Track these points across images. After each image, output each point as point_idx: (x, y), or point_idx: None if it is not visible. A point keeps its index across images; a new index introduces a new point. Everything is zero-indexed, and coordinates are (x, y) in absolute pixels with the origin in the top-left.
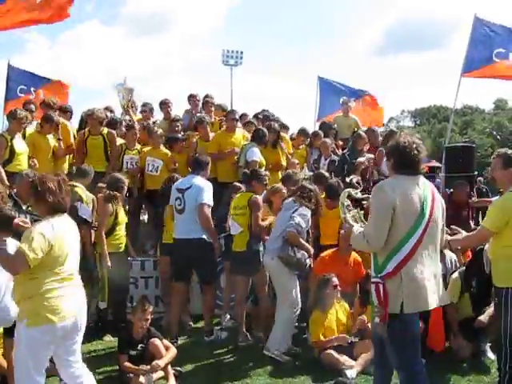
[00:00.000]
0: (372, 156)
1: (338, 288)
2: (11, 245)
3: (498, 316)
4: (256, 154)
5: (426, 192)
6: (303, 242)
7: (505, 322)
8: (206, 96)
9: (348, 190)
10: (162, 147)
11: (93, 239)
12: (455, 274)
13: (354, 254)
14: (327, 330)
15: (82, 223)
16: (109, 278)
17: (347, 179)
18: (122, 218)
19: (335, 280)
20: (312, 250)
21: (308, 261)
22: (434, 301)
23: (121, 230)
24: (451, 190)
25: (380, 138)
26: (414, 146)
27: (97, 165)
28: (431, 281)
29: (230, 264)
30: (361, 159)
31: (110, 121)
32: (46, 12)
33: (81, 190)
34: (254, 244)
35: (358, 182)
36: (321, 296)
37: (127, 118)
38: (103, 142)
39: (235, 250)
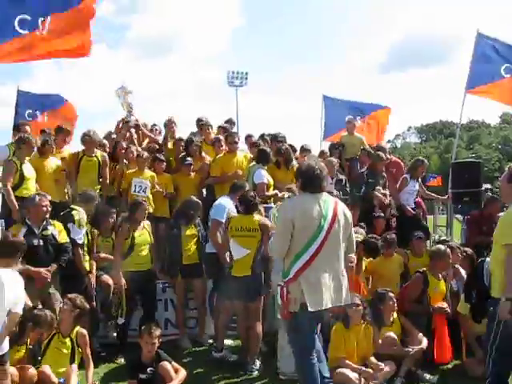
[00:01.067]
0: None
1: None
2: None
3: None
4: (263, 177)
5: (326, 208)
6: None
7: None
8: (200, 120)
9: None
10: (146, 170)
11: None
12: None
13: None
14: (346, 349)
15: (74, 245)
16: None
17: None
18: (140, 239)
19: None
20: None
21: None
22: (329, 302)
23: (139, 251)
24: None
25: (386, 155)
26: (316, 167)
27: (89, 186)
28: (328, 285)
29: (226, 289)
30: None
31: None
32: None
33: (77, 212)
34: (259, 267)
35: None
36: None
37: (133, 118)
38: (97, 164)
39: (236, 274)
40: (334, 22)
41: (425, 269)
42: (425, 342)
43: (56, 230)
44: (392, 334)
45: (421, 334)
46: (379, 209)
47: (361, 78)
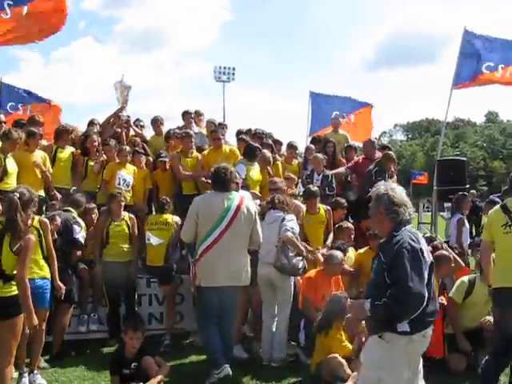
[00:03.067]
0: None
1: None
2: None
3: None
4: (241, 173)
5: (230, 203)
6: (299, 243)
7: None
8: (185, 112)
9: None
10: (128, 164)
11: None
12: (464, 277)
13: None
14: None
15: (77, 245)
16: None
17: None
18: (115, 229)
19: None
20: (305, 252)
21: (301, 264)
22: (224, 280)
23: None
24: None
25: (377, 152)
26: (223, 170)
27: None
28: (227, 266)
29: None
30: None
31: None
32: (36, 28)
33: (75, 215)
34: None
35: None
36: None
37: (125, 114)
38: (71, 156)
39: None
40: (321, 18)
41: None
42: None
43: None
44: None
45: None
46: None
47: (348, 76)
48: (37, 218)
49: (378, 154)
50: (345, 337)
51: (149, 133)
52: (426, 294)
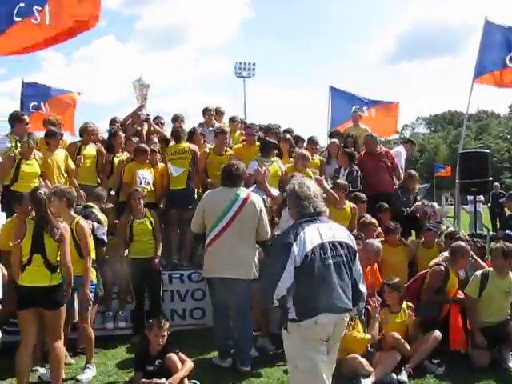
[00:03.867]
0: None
1: None
2: None
3: None
4: (251, 168)
5: (235, 198)
6: None
7: None
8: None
9: None
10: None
11: None
12: (478, 272)
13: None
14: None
15: (99, 244)
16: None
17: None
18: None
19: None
20: None
21: None
22: (225, 272)
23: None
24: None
25: (379, 146)
26: (235, 167)
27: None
28: (230, 258)
29: None
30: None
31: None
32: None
33: (97, 210)
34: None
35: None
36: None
37: (144, 112)
38: (96, 154)
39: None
40: (343, 11)
41: (445, 263)
42: (438, 334)
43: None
44: (395, 335)
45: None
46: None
47: (369, 69)
48: (76, 219)
49: (381, 149)
50: (360, 326)
51: (169, 130)
52: (284, 285)
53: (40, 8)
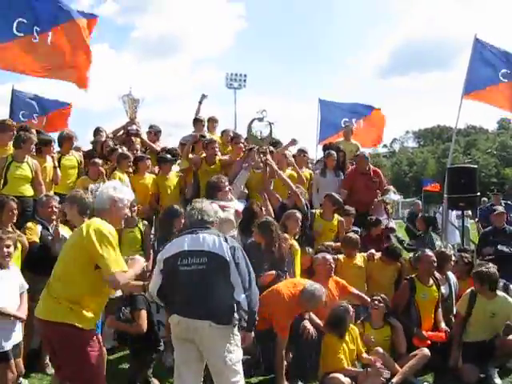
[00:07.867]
0: None
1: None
2: None
3: None
4: (239, 183)
5: None
6: None
7: None
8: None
9: None
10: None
11: None
12: (469, 290)
13: (333, 278)
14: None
15: None
16: None
17: None
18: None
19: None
20: None
21: None
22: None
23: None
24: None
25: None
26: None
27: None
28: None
29: None
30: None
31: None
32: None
33: None
34: None
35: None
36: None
37: (134, 127)
38: (77, 163)
39: None
40: (334, 25)
41: (413, 275)
42: (426, 352)
43: (66, 233)
44: (380, 350)
45: None
46: None
47: (360, 82)
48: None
49: (370, 169)
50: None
51: (164, 140)
52: (153, 285)
53: (39, 29)
